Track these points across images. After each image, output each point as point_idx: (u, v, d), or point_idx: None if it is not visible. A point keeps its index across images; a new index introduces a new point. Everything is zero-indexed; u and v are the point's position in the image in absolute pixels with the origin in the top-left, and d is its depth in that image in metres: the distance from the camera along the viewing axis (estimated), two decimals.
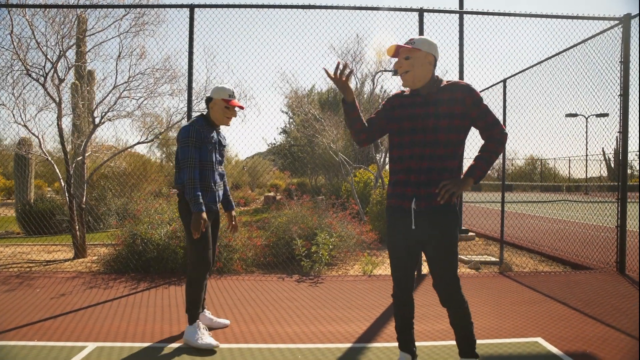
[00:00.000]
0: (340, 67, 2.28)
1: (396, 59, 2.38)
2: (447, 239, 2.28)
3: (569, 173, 25.70)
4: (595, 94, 5.79)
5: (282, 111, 21.17)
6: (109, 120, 7.77)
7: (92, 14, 7.03)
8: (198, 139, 3.08)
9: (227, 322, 3.51)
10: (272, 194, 26.17)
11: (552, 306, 3.90)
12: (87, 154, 7.82)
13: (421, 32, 5.06)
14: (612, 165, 33.28)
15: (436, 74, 2.37)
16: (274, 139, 23.75)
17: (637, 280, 4.80)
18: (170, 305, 3.97)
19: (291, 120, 21.06)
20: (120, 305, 3.98)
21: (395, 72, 11.58)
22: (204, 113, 3.29)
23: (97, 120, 7.25)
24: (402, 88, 2.50)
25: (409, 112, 2.34)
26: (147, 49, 6.82)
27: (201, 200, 3.01)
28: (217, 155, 3.28)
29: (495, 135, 2.31)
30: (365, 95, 12.89)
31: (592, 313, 3.68)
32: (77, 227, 6.60)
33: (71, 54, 8.38)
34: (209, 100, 3.24)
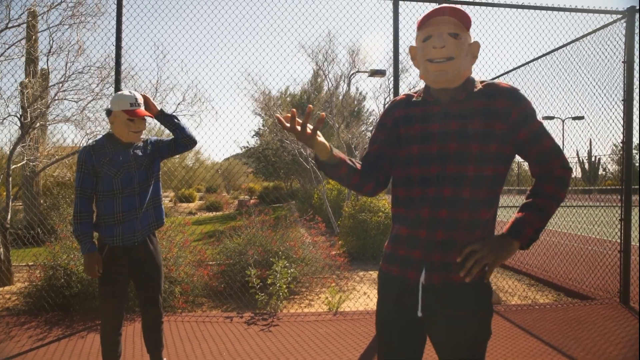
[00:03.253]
0: (292, 115, 1.36)
1: (429, 37, 1.43)
2: (472, 335, 1.42)
3: None
4: (582, 97, 5.18)
5: (256, 113, 20.27)
6: (42, 125, 6.81)
7: (18, 3, 6.08)
8: (88, 165, 2.47)
9: None
10: (246, 197, 25.35)
11: None
12: (17, 165, 6.85)
13: (396, 24, 4.28)
14: (586, 167, 33.59)
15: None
16: (247, 142, 22.85)
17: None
18: None
19: (263, 123, 20.20)
20: None
21: (371, 73, 10.76)
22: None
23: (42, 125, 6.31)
24: (409, 91, 1.61)
25: (419, 130, 1.48)
26: (89, 45, 5.92)
27: (85, 238, 2.49)
28: (137, 176, 2.57)
29: (554, 172, 1.46)
30: (340, 97, 12.04)
31: None
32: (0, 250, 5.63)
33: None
34: (108, 113, 2.50)
